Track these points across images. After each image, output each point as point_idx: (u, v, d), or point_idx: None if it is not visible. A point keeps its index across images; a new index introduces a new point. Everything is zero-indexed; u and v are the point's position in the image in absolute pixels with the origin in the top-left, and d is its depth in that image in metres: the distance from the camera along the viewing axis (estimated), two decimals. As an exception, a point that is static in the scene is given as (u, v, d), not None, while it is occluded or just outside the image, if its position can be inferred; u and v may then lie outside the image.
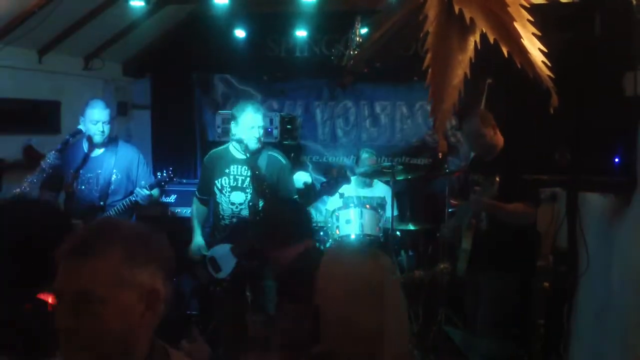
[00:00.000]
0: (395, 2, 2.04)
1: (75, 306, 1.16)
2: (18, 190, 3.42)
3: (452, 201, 4.53)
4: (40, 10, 3.98)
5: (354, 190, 4.84)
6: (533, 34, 1.67)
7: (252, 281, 3.57)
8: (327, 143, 5.88)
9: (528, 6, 1.71)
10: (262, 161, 3.76)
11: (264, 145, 3.84)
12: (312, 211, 4.74)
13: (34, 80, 4.70)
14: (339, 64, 3.60)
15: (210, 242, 3.82)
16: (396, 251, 4.71)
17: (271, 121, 5.09)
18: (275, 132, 5.14)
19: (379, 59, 2.51)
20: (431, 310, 4.45)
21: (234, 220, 3.75)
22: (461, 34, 1.73)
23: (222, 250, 3.72)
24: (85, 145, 3.82)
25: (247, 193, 3.73)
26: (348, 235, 4.35)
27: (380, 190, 4.97)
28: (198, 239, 3.83)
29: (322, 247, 4.35)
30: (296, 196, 3.86)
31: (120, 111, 5.79)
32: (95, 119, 3.72)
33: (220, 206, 3.79)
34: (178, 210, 5.23)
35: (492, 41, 1.67)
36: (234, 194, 3.75)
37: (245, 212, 3.73)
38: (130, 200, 3.68)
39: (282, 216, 2.74)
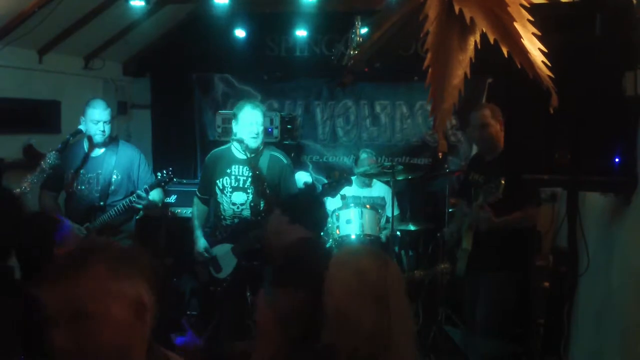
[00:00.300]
0: (395, 2, 2.04)
1: (70, 327, 1.21)
2: (18, 190, 3.41)
3: (452, 201, 4.54)
4: (40, 10, 3.97)
5: (354, 190, 4.84)
6: (533, 34, 1.67)
7: (253, 281, 3.57)
8: (327, 143, 5.88)
9: (528, 6, 1.71)
10: (264, 161, 3.75)
11: (266, 145, 3.84)
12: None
13: (34, 80, 4.69)
14: (339, 63, 3.60)
15: (210, 242, 3.81)
16: (396, 251, 4.71)
17: (271, 121, 5.09)
18: (276, 131, 5.14)
19: (379, 59, 2.51)
20: (431, 310, 4.46)
21: (236, 220, 3.75)
22: (461, 33, 1.73)
23: (223, 250, 3.72)
24: (85, 145, 3.81)
25: (248, 193, 3.73)
26: (348, 236, 4.35)
27: (380, 190, 4.97)
28: (202, 241, 3.82)
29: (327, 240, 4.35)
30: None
31: (120, 111, 5.78)
32: (96, 119, 3.71)
33: (221, 206, 3.78)
34: (178, 210, 5.23)
35: (492, 41, 1.67)
36: (235, 195, 3.75)
37: (246, 213, 3.73)
38: (130, 201, 3.68)
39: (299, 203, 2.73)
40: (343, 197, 4.59)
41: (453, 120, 5.47)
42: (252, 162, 3.70)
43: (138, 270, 1.32)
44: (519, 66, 1.66)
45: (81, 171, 3.77)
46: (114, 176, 3.80)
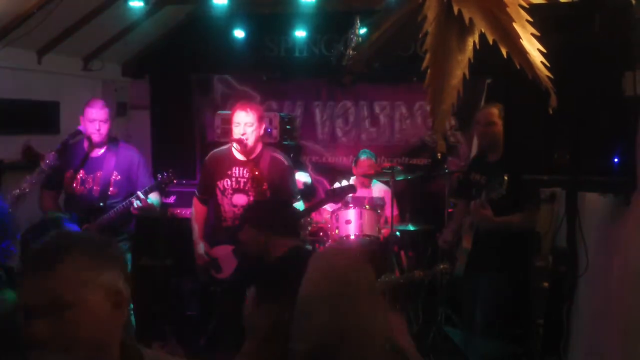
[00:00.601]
0: (395, 2, 2.04)
1: (48, 317, 1.21)
2: (17, 190, 3.41)
3: (451, 200, 4.54)
4: (39, 11, 3.97)
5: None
6: (532, 34, 1.67)
7: (253, 282, 3.56)
8: (327, 143, 5.89)
9: (527, 6, 1.70)
10: (265, 163, 3.74)
11: (265, 146, 3.83)
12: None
13: (33, 80, 4.70)
14: (338, 64, 3.60)
15: (211, 243, 3.81)
16: (396, 251, 4.71)
17: (270, 121, 5.09)
18: (275, 132, 5.14)
19: (378, 59, 2.50)
20: (431, 310, 4.46)
21: (237, 222, 3.74)
22: (460, 34, 1.73)
23: (224, 251, 3.72)
24: (85, 146, 3.81)
25: (249, 195, 3.72)
26: (348, 236, 4.35)
27: (380, 190, 4.97)
28: (202, 244, 3.81)
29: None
30: (299, 197, 3.87)
31: (119, 112, 5.79)
32: (92, 118, 3.71)
33: (221, 207, 3.77)
34: (178, 211, 5.23)
35: (491, 42, 1.67)
36: (236, 196, 3.73)
37: (247, 214, 3.73)
38: (129, 202, 3.67)
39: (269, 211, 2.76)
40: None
41: (452, 121, 5.48)
42: (251, 163, 3.69)
43: (114, 260, 1.32)
44: (518, 67, 1.66)
45: (81, 171, 3.77)
46: (114, 177, 3.80)
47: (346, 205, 4.45)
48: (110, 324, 1.28)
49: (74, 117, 3.97)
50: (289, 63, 5.88)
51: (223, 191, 3.76)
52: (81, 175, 3.78)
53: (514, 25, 1.65)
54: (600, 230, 2.57)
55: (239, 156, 3.76)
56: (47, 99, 4.86)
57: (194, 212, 3.95)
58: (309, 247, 4.44)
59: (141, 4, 4.23)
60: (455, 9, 1.66)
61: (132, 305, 3.84)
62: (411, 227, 4.65)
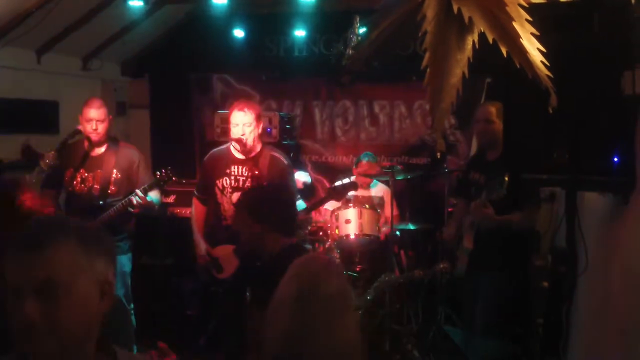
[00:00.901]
0: (394, 1, 2.04)
1: (39, 297, 1.19)
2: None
3: (451, 200, 4.53)
4: (38, 10, 3.98)
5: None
6: (532, 33, 1.67)
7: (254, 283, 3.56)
8: (326, 142, 5.89)
9: (527, 6, 1.70)
10: (264, 162, 3.74)
11: (265, 145, 3.83)
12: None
13: (32, 80, 4.70)
14: (337, 63, 3.59)
15: (211, 243, 3.80)
16: (396, 251, 4.71)
17: (270, 121, 5.09)
18: (274, 131, 5.14)
19: (377, 58, 2.50)
20: (431, 309, 4.45)
21: (237, 221, 3.74)
22: (460, 33, 1.73)
23: (225, 251, 3.71)
24: (86, 145, 3.81)
25: (248, 194, 3.71)
26: (348, 235, 4.35)
27: (379, 190, 4.97)
28: (203, 244, 3.80)
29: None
30: (299, 196, 3.87)
31: (118, 111, 5.79)
32: (90, 117, 3.71)
33: (221, 207, 3.77)
34: (178, 210, 5.23)
35: (490, 41, 1.66)
36: (236, 195, 3.72)
37: (247, 213, 3.72)
38: (129, 200, 3.67)
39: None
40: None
41: (451, 120, 5.47)
42: (250, 162, 3.69)
43: (106, 251, 1.32)
44: (518, 66, 1.66)
45: (81, 170, 3.78)
46: (114, 176, 3.80)
47: (346, 205, 4.45)
48: (96, 313, 1.27)
49: (73, 117, 3.97)
50: (288, 62, 5.88)
51: (222, 190, 3.75)
52: (81, 174, 3.78)
53: (514, 24, 1.64)
54: (600, 229, 2.57)
55: (238, 155, 3.75)
56: (47, 98, 4.86)
57: (194, 212, 3.95)
58: (308, 246, 4.45)
59: (140, 3, 4.23)
60: (455, 8, 1.66)
61: (132, 305, 3.85)
62: (411, 227, 4.65)
